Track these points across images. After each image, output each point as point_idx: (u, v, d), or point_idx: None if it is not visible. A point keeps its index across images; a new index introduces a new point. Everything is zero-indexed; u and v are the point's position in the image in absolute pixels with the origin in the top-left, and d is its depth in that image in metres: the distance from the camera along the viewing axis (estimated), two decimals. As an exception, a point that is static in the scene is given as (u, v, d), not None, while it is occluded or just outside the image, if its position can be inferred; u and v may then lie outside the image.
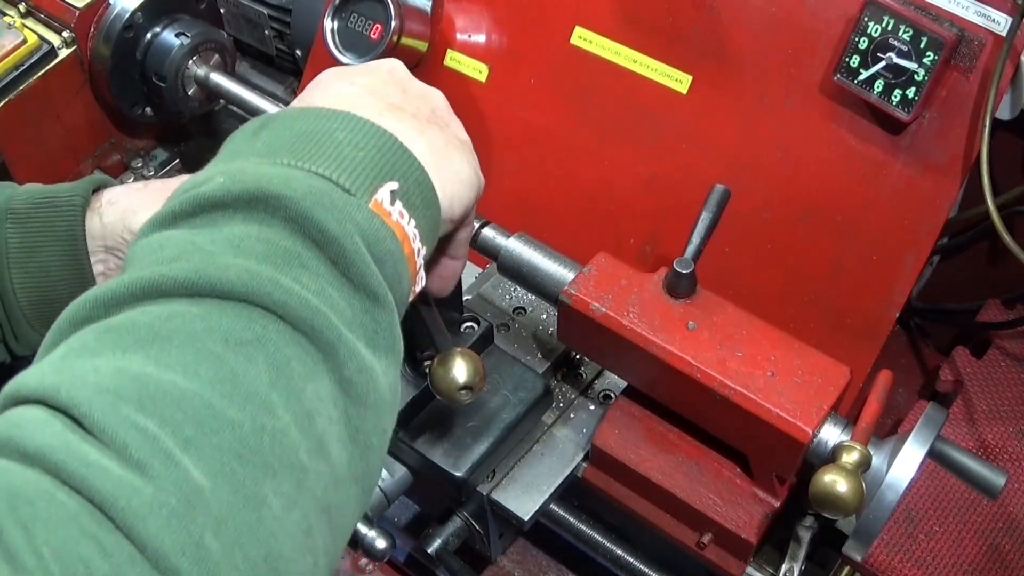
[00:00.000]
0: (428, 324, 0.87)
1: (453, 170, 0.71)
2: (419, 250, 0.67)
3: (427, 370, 0.86)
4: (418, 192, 0.67)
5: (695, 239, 0.97)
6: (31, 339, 0.93)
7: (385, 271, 0.61)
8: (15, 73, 1.36)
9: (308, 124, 0.66)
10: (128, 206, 0.93)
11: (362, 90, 0.72)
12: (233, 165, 0.63)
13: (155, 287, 0.56)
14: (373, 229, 0.61)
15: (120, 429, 0.49)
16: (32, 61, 1.38)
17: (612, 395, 1.09)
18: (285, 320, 0.55)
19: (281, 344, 0.55)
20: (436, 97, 0.77)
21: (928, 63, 1.03)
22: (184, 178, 1.00)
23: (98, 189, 0.95)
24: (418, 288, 0.69)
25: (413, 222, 0.66)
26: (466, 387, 0.84)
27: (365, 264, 0.60)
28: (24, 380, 0.52)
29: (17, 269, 0.90)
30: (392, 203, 0.64)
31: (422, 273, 0.69)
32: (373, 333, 0.60)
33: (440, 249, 0.82)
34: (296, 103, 0.73)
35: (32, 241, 0.91)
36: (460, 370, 0.83)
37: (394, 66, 0.77)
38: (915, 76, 1.03)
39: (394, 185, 0.64)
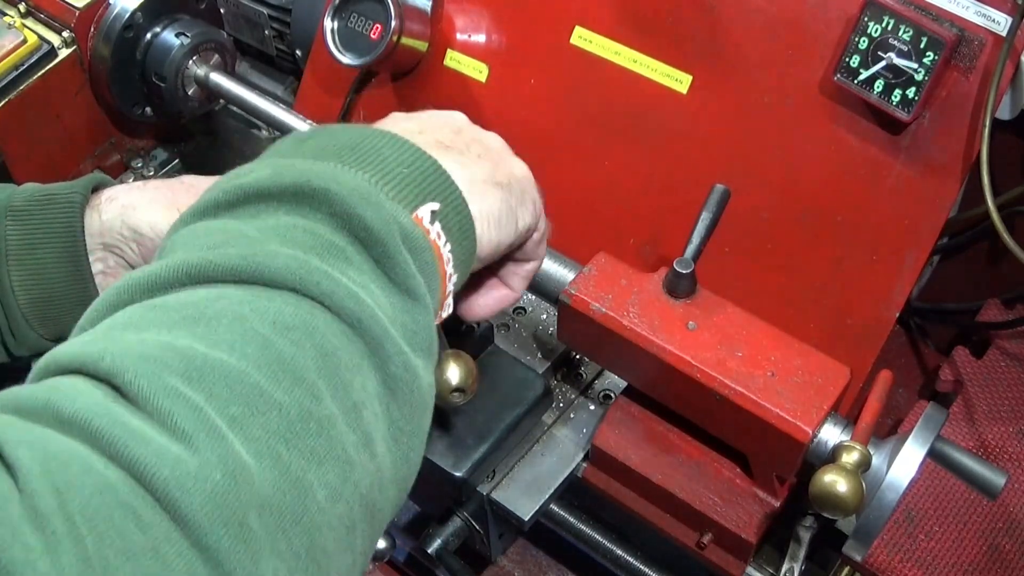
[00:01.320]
0: None
1: (487, 207, 0.71)
2: (451, 275, 0.66)
3: None
4: (456, 219, 0.67)
5: (695, 239, 0.97)
6: (29, 339, 0.92)
7: (425, 277, 0.61)
8: (15, 73, 1.36)
9: (355, 137, 0.66)
10: (127, 202, 0.93)
11: (416, 125, 0.72)
12: (279, 160, 0.63)
13: (201, 272, 0.55)
14: (416, 236, 0.61)
15: (165, 399, 0.47)
16: (32, 61, 1.37)
17: (612, 395, 1.09)
18: (332, 311, 0.55)
19: (329, 334, 0.54)
20: (491, 138, 0.78)
21: (928, 63, 1.03)
22: (185, 177, 1.01)
23: (97, 188, 0.96)
24: (444, 314, 0.68)
25: (449, 246, 0.66)
26: (458, 389, 0.84)
27: (407, 264, 0.59)
28: (63, 350, 0.51)
29: (16, 266, 0.90)
30: (432, 222, 0.64)
31: (451, 300, 0.68)
32: (413, 333, 0.59)
33: (498, 271, 0.82)
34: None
35: (31, 238, 0.91)
36: (452, 372, 0.83)
37: (455, 115, 0.78)
38: (915, 76, 1.03)
39: (435, 206, 0.64)
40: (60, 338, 0.93)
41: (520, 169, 0.77)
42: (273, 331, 0.52)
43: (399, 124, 0.73)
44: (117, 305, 0.55)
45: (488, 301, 0.83)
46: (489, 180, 0.72)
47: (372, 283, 0.57)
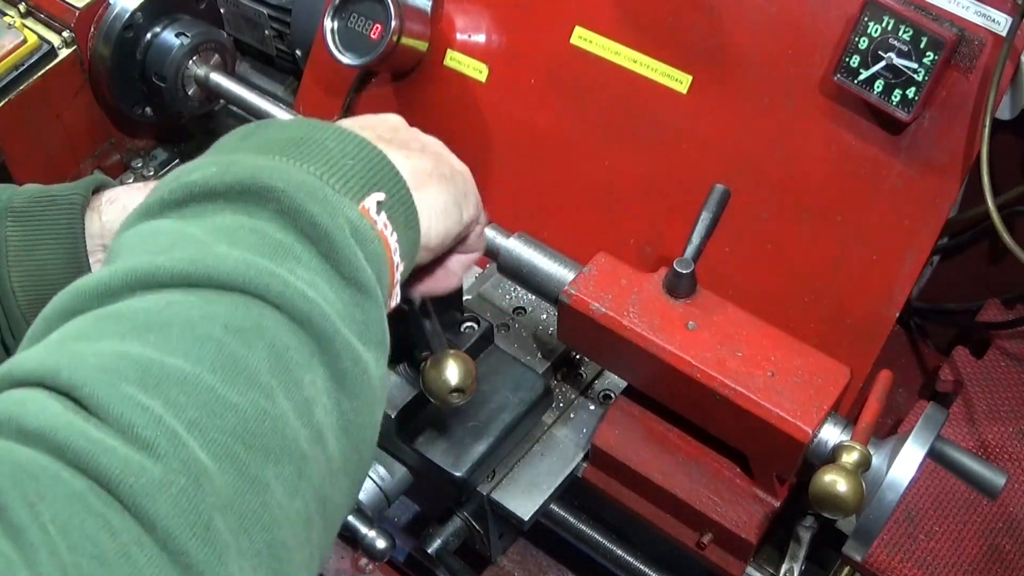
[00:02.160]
0: (424, 325, 0.88)
1: (432, 199, 0.72)
2: (398, 265, 0.67)
3: None
4: (401, 209, 0.68)
5: (695, 239, 0.97)
6: None
7: (373, 268, 0.62)
8: (15, 73, 1.36)
9: (300, 131, 0.67)
10: (127, 204, 0.93)
11: (355, 123, 0.73)
12: (224, 156, 0.63)
13: (150, 277, 0.55)
14: (364, 228, 0.62)
15: (125, 408, 0.48)
16: (32, 61, 1.38)
17: (612, 395, 1.09)
18: (282, 310, 0.55)
19: (279, 333, 0.55)
20: (429, 138, 0.79)
21: (928, 63, 1.03)
22: None
23: (98, 190, 0.96)
24: (392, 303, 0.69)
25: (396, 236, 0.66)
26: (458, 390, 0.84)
27: (356, 258, 0.60)
28: (20, 362, 0.51)
29: (16, 267, 0.90)
30: (378, 213, 0.65)
31: (398, 290, 0.69)
32: (363, 327, 0.60)
33: (443, 260, 0.83)
34: None
35: (31, 239, 0.91)
36: (452, 372, 0.83)
37: (390, 116, 0.79)
38: (915, 76, 1.03)
39: (380, 196, 0.65)
40: None
41: (460, 165, 0.78)
42: (224, 333, 0.53)
43: (343, 122, 0.73)
44: (67, 314, 0.55)
45: (430, 284, 0.84)
46: (432, 172, 0.73)
47: (321, 279, 0.58)
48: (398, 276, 0.67)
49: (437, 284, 0.84)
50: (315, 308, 0.56)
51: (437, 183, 0.73)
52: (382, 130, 0.74)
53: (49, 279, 0.91)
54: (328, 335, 0.56)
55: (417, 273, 0.82)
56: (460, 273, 0.85)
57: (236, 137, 0.68)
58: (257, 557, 0.49)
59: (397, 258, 0.67)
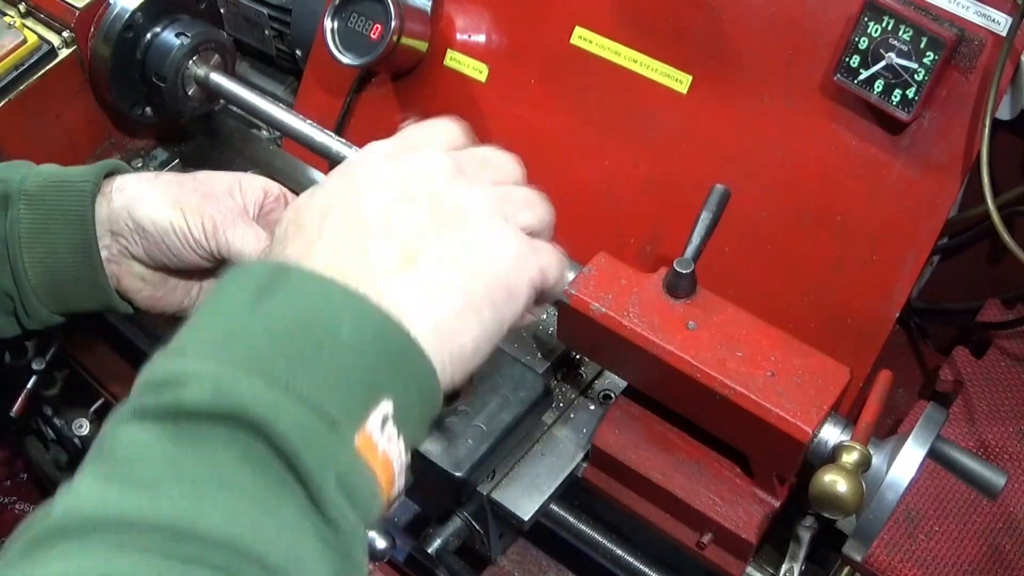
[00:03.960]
0: None
1: (460, 344, 0.67)
2: (402, 467, 0.64)
3: None
4: (417, 409, 0.64)
5: (695, 239, 0.97)
6: (40, 314, 0.97)
7: (358, 510, 0.59)
8: (15, 73, 1.36)
9: (312, 311, 0.61)
10: (134, 193, 0.96)
11: (392, 202, 0.68)
12: (223, 370, 0.58)
13: (129, 524, 0.52)
14: (354, 475, 0.59)
15: None
16: (32, 61, 1.37)
17: (612, 395, 1.09)
18: (265, 567, 0.54)
19: None
20: (476, 197, 0.72)
21: (928, 63, 1.03)
22: (198, 173, 1.02)
23: (111, 174, 0.98)
24: (396, 501, 0.66)
25: (402, 439, 0.63)
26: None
27: (339, 507, 0.58)
28: None
29: (28, 249, 0.95)
30: (382, 428, 0.61)
31: (400, 482, 0.65)
32: (341, 570, 0.58)
33: None
34: (324, 194, 0.70)
35: (43, 222, 0.95)
36: None
37: (439, 163, 0.72)
38: (915, 76, 1.03)
39: (388, 407, 0.61)
40: (68, 313, 0.98)
41: (511, 223, 0.72)
42: None
43: (376, 197, 0.68)
44: (38, 539, 0.53)
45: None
46: (467, 305, 0.67)
47: (306, 526, 0.57)
48: (400, 479, 0.64)
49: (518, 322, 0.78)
50: (298, 568, 0.54)
51: (470, 317, 0.67)
52: (417, 215, 0.68)
53: (59, 262, 0.96)
54: None
55: None
56: (539, 312, 0.81)
57: (247, 296, 0.62)
58: None
59: (399, 462, 0.63)
